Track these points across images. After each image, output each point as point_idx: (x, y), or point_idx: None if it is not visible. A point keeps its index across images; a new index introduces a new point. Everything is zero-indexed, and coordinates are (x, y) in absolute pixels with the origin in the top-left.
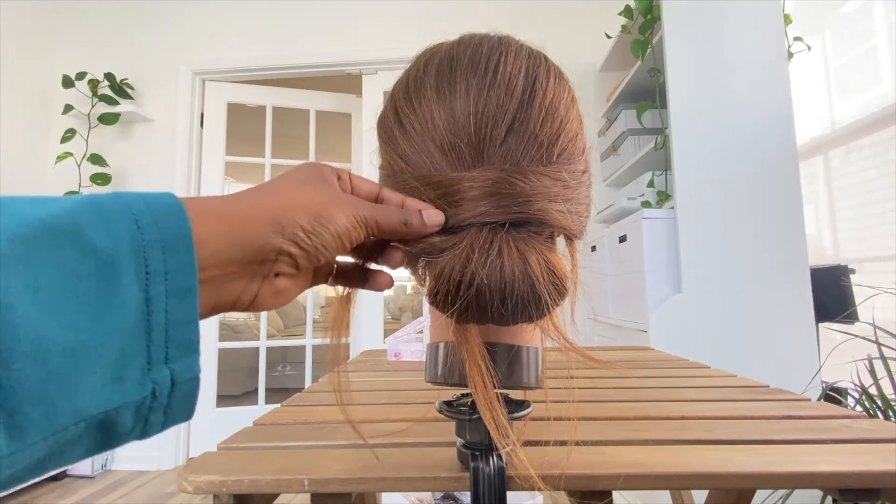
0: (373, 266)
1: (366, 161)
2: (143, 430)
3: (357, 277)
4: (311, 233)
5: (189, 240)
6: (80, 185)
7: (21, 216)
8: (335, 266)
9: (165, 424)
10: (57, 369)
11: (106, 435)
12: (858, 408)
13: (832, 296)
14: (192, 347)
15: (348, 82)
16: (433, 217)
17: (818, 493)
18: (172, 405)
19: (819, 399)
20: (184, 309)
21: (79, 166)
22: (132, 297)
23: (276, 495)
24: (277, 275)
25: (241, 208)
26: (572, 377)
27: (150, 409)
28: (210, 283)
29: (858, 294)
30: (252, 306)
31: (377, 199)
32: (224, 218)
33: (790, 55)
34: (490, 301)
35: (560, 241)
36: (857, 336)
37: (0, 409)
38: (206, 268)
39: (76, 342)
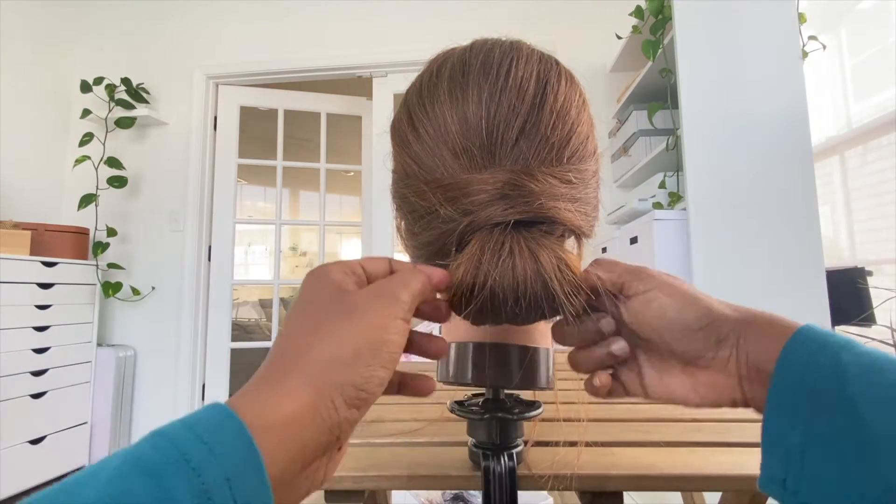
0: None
1: (376, 162)
2: None
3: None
4: (365, 383)
5: (258, 463)
6: (97, 188)
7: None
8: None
9: None
10: None
11: None
12: None
13: (848, 298)
14: None
15: (358, 85)
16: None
17: None
18: None
19: None
20: None
21: (96, 169)
22: None
23: None
24: (339, 448)
25: (295, 402)
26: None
27: None
28: (281, 494)
29: (875, 297)
30: (322, 484)
31: (391, 272)
32: (285, 425)
33: (805, 54)
34: (504, 301)
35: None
36: (874, 339)
37: None
38: (276, 488)
39: None
